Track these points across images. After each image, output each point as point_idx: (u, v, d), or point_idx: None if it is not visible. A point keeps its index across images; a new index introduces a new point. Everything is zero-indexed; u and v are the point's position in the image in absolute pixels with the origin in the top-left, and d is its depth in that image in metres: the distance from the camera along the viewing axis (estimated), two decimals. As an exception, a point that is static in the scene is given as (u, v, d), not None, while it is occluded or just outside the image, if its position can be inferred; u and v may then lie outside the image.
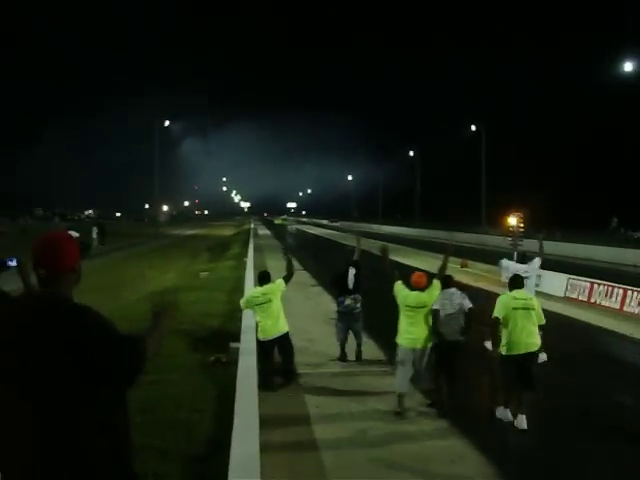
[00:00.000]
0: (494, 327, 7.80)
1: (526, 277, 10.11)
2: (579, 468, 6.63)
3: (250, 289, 10.02)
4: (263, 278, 9.61)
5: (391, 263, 8.99)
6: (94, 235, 38.48)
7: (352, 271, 10.71)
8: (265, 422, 6.44)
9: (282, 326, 9.27)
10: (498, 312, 7.75)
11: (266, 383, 8.44)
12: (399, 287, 8.30)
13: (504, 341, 7.67)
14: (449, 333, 8.19)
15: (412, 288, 8.19)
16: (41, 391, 2.48)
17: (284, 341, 9.28)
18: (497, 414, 7.86)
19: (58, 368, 2.50)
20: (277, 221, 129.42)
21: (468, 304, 8.37)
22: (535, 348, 7.72)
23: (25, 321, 2.59)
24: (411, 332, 8.01)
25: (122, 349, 2.63)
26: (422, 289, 8.15)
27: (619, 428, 7.74)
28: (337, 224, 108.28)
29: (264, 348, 9.07)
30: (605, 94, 55.23)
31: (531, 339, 7.67)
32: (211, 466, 5.58)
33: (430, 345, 8.08)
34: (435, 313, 8.08)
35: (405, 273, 8.79)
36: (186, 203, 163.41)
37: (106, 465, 2.54)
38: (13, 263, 4.39)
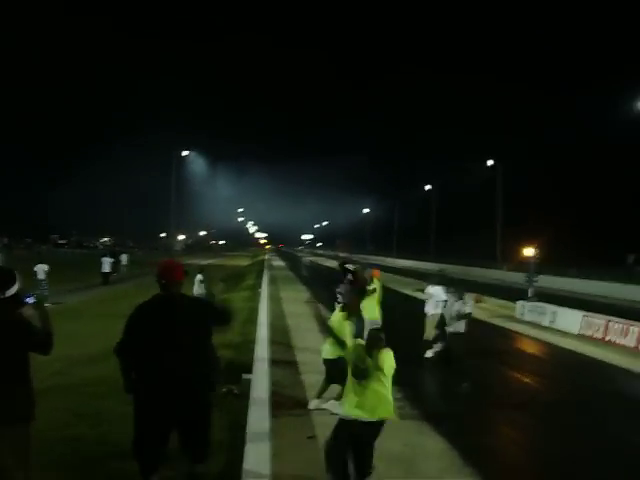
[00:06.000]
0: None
1: (445, 301, 12.88)
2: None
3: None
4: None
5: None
6: (125, 262, 38.91)
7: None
8: (277, 456, 6.43)
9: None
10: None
11: None
12: None
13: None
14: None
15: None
16: (187, 329, 5.35)
17: (374, 432, 6.21)
18: (310, 405, 9.24)
19: (192, 320, 5.41)
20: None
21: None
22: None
23: (171, 304, 5.43)
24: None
25: (221, 312, 5.84)
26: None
27: (629, 466, 7.67)
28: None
29: (343, 430, 6.14)
30: (622, 129, 55.03)
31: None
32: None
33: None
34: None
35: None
36: (202, 233, 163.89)
37: (212, 362, 6.00)
38: (31, 300, 4.55)
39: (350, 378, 6.21)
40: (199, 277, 21.31)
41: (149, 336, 5.30)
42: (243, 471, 5.28)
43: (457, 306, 12.11)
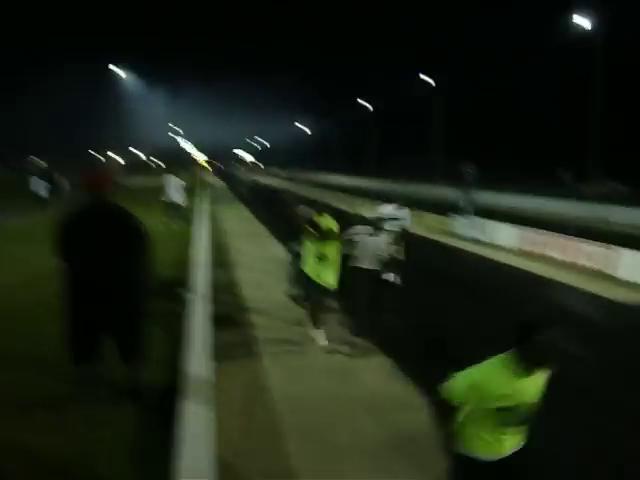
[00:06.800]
0: None
1: (394, 218, 12.08)
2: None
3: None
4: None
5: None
6: (67, 187, 37.67)
7: None
8: (219, 368, 6.47)
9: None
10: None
11: None
12: None
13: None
14: None
15: None
16: (111, 239, 5.89)
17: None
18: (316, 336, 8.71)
19: (118, 230, 5.96)
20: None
21: None
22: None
23: (101, 211, 5.99)
24: None
25: (142, 231, 6.10)
26: None
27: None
28: None
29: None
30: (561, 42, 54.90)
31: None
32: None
33: None
34: None
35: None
36: (139, 153, 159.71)
37: (134, 276, 6.15)
38: None
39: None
40: (176, 181, 21.11)
41: (78, 242, 5.90)
42: (185, 384, 5.30)
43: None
